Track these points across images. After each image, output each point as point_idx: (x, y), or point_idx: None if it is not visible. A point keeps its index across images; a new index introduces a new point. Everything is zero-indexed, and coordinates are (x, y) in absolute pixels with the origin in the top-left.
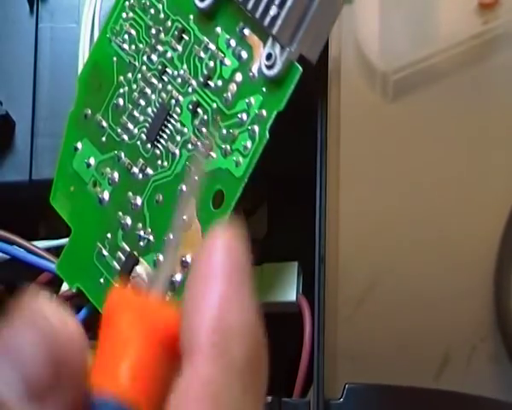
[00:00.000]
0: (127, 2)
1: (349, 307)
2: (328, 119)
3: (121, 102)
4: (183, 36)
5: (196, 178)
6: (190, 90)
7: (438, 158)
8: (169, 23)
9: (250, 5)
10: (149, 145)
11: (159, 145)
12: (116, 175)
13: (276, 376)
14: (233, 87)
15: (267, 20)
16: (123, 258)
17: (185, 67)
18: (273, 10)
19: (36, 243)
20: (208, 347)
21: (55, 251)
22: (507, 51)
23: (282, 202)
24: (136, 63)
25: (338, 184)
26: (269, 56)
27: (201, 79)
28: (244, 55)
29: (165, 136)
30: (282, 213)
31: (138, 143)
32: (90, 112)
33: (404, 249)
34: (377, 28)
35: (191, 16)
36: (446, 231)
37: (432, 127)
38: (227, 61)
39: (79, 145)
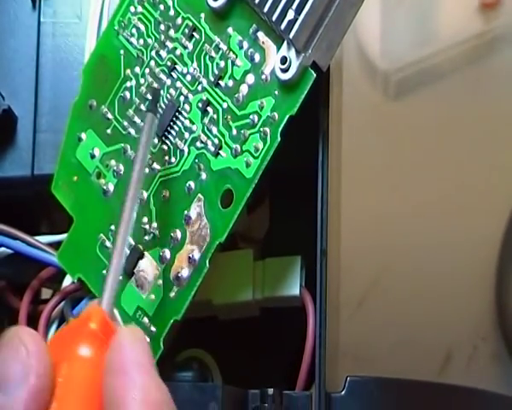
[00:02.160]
0: None
1: (351, 305)
2: (330, 115)
3: (128, 95)
4: (194, 34)
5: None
6: (200, 88)
7: (439, 157)
8: (179, 20)
9: (266, 8)
10: (157, 140)
11: (166, 141)
12: (121, 168)
13: (279, 368)
14: (244, 88)
15: (284, 24)
16: (127, 251)
17: (195, 65)
18: (290, 14)
19: (38, 237)
20: None
21: (57, 246)
22: (508, 51)
23: (284, 197)
24: (145, 58)
25: (339, 181)
26: (283, 60)
27: (212, 78)
28: (257, 57)
29: (173, 132)
30: (284, 207)
31: None
32: (95, 103)
33: (405, 248)
34: (379, 28)
35: (202, 14)
36: (448, 230)
37: (433, 126)
38: (239, 62)
39: (83, 136)
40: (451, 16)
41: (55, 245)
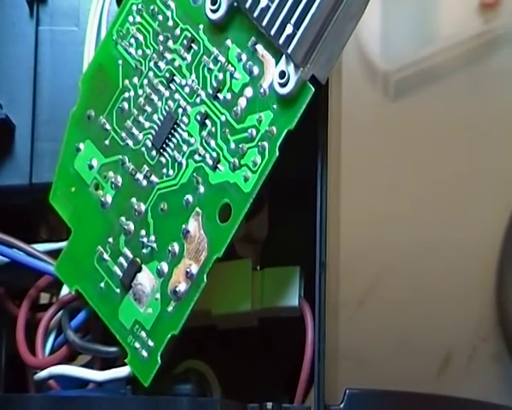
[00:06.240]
0: (134, 6)
1: (350, 307)
2: (329, 126)
3: (126, 106)
4: (192, 45)
5: None
6: (198, 100)
7: (439, 157)
8: (178, 31)
9: (265, 22)
10: (155, 152)
11: (165, 153)
12: (119, 179)
13: (278, 381)
14: (243, 101)
15: (282, 39)
16: (125, 264)
17: (194, 76)
18: (289, 29)
19: (36, 245)
20: None
21: (56, 254)
22: (508, 51)
23: (283, 205)
24: (143, 68)
25: (339, 185)
26: (282, 74)
27: (210, 91)
28: (255, 70)
29: (171, 144)
30: (283, 215)
31: (143, 149)
32: (93, 113)
33: (405, 250)
34: (378, 28)
35: (201, 26)
36: (448, 231)
37: (432, 126)
38: (237, 75)
39: (81, 146)
40: (451, 16)
41: (54, 253)
